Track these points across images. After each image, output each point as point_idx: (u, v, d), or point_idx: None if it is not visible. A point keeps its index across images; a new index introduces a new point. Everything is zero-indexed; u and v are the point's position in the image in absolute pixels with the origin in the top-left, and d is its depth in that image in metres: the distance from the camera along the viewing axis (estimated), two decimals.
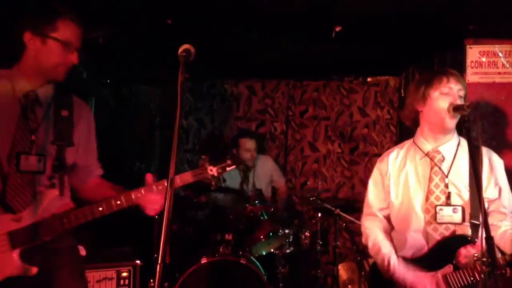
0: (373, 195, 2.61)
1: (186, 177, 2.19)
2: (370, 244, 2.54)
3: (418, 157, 2.47)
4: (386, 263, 2.40)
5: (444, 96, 2.34)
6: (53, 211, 2.08)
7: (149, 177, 2.19)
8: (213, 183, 2.26)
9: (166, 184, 2.01)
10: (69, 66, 2.14)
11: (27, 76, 2.11)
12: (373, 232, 2.54)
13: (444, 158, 2.41)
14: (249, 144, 4.67)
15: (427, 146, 2.45)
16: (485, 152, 2.41)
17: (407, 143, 2.58)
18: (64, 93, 2.22)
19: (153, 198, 2.15)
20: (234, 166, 2.23)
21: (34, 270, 2.02)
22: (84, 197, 2.33)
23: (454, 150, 2.41)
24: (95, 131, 2.38)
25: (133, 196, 2.13)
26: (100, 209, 2.11)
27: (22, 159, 2.03)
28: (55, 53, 2.08)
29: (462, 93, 2.36)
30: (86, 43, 3.99)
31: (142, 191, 2.15)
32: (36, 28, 2.06)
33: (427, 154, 2.44)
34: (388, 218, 2.57)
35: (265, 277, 3.68)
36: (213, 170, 2.19)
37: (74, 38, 2.12)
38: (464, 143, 2.41)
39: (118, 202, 2.12)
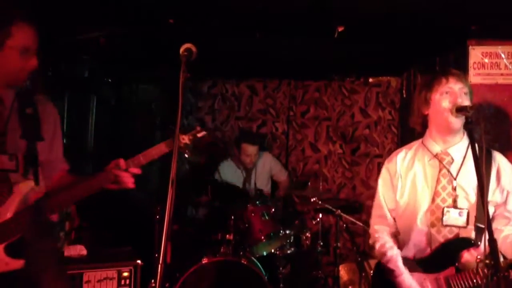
0: (383, 195, 2.58)
1: (160, 147, 2.19)
2: (377, 246, 2.52)
3: (427, 158, 2.45)
4: (391, 265, 2.39)
5: (446, 97, 2.34)
6: (29, 203, 2.09)
7: (120, 161, 2.20)
8: (186, 151, 2.25)
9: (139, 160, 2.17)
10: (29, 70, 2.11)
11: None
12: (381, 236, 2.52)
13: (453, 160, 2.39)
14: (250, 150, 4.69)
15: (436, 148, 2.44)
16: (494, 156, 2.40)
17: (416, 144, 2.57)
18: (26, 92, 2.20)
19: (126, 174, 2.17)
20: (204, 133, 2.25)
21: (20, 263, 2.03)
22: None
23: (463, 152, 2.39)
24: (61, 127, 2.38)
25: (110, 175, 2.15)
26: (81, 191, 2.14)
27: None
28: (12, 60, 2.04)
29: (464, 90, 2.35)
30: (88, 43, 4.01)
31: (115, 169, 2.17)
32: None
33: (436, 156, 2.42)
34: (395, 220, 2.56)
35: (266, 277, 3.67)
36: (185, 139, 2.21)
37: (31, 42, 2.07)
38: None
39: (95, 183, 2.15)
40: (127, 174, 2.16)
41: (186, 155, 2.26)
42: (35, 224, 2.09)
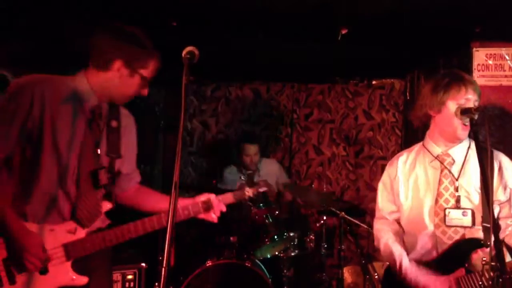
0: (382, 198, 2.60)
1: (227, 198, 2.41)
2: (381, 247, 2.52)
3: (428, 160, 2.45)
4: (398, 264, 2.39)
5: (461, 106, 2.29)
6: (99, 224, 2.16)
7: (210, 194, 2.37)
8: (249, 203, 2.56)
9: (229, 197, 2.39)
10: (139, 95, 2.20)
11: (96, 92, 2.12)
12: (384, 235, 2.53)
13: (454, 161, 2.39)
14: (250, 149, 4.66)
15: (437, 149, 2.43)
16: (495, 154, 2.39)
17: (416, 146, 2.56)
18: (113, 104, 2.24)
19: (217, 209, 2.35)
20: (266, 189, 2.57)
21: (85, 279, 2.09)
22: (123, 203, 2.38)
23: (464, 153, 2.39)
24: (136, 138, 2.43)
25: (200, 206, 2.31)
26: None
27: (100, 175, 2.10)
28: (136, 86, 2.14)
29: (477, 102, 2.32)
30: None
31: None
32: (130, 62, 2.08)
33: (437, 157, 2.42)
34: (398, 221, 2.56)
35: (270, 280, 3.67)
36: (249, 192, 2.46)
37: (153, 75, 2.18)
38: (473, 144, 2.39)
39: (186, 212, 2.27)
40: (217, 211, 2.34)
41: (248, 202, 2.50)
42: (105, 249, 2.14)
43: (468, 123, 2.29)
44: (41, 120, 1.97)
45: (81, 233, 2.07)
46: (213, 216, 2.34)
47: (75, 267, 2.06)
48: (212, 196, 2.33)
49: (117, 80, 2.09)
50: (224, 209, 2.34)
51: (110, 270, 2.40)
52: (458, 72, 2.44)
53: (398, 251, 2.43)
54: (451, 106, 2.31)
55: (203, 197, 2.33)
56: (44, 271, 2.01)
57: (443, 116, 2.36)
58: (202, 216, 2.32)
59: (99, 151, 2.12)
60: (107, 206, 2.17)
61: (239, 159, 4.77)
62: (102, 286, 2.25)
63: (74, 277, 2.05)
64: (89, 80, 2.11)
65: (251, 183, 4.71)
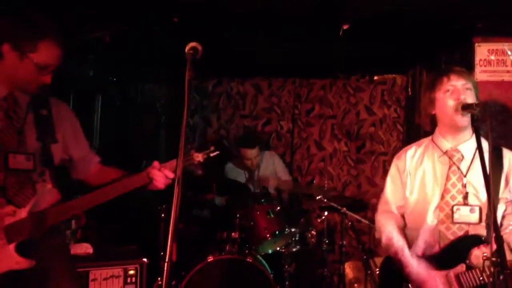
0: (391, 192, 2.59)
1: (174, 164, 2.25)
2: (383, 238, 2.53)
3: (437, 155, 2.45)
4: (399, 256, 2.39)
5: (449, 95, 2.34)
6: (46, 204, 2.13)
7: (155, 162, 2.30)
8: (199, 170, 2.40)
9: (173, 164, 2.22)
10: (40, 85, 2.15)
11: (3, 82, 2.12)
12: (387, 227, 2.53)
13: (463, 157, 2.39)
14: (249, 153, 4.65)
15: (446, 145, 2.43)
16: (505, 153, 2.40)
17: (425, 141, 2.56)
18: (40, 94, 2.23)
19: (160, 174, 2.26)
20: (217, 152, 2.37)
21: (31, 262, 2.06)
22: (93, 185, 2.39)
23: (473, 149, 2.38)
24: (80, 124, 2.44)
25: (144, 176, 2.25)
26: (118, 189, 2.21)
27: (10, 157, 2.08)
28: (29, 72, 2.09)
29: (467, 86, 2.35)
30: (93, 42, 4.02)
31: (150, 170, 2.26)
32: (16, 43, 2.04)
33: (445, 153, 2.42)
34: (403, 215, 2.56)
35: (272, 275, 3.67)
36: (199, 156, 2.31)
37: (53, 60, 2.11)
38: (484, 143, 2.38)
39: (131, 182, 2.24)
40: (161, 175, 2.24)
41: (199, 171, 2.38)
42: (46, 226, 2.13)
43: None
44: None
45: (21, 214, 2.06)
46: (159, 184, 2.26)
47: (20, 251, 2.04)
48: (156, 163, 2.28)
49: (10, 66, 2.06)
50: (171, 175, 2.25)
51: (71, 266, 2.37)
52: (443, 67, 2.47)
53: (400, 244, 2.43)
54: (440, 96, 2.38)
55: (148, 168, 2.29)
56: None
57: (439, 109, 2.41)
58: (150, 187, 2.28)
59: (21, 138, 2.12)
60: (44, 187, 2.15)
61: (239, 160, 4.75)
62: (64, 284, 2.23)
63: (18, 260, 2.03)
64: None
65: (250, 179, 4.75)
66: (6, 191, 2.07)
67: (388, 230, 2.51)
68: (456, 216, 2.32)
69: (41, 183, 2.16)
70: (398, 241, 2.44)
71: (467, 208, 2.32)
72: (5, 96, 2.13)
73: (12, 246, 2.03)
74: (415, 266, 2.33)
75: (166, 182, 2.26)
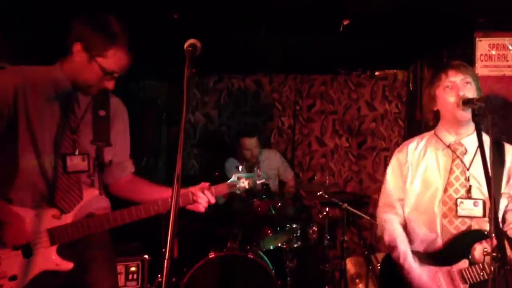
0: (392, 184, 2.57)
1: (221, 188, 2.36)
2: (386, 238, 2.50)
3: (440, 148, 2.45)
4: (401, 261, 2.37)
5: (449, 91, 2.34)
6: (92, 210, 2.15)
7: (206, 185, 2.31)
8: (244, 193, 2.49)
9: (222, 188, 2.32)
10: (102, 88, 2.16)
11: (68, 78, 2.13)
12: (391, 226, 2.50)
13: (466, 151, 2.39)
14: (249, 143, 4.65)
15: (450, 138, 2.43)
16: (507, 148, 2.40)
17: (427, 134, 2.56)
18: (102, 93, 2.23)
19: (205, 198, 2.27)
20: (263, 180, 2.46)
21: (70, 265, 2.09)
22: (117, 194, 2.38)
23: (476, 143, 2.36)
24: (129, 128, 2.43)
25: (190, 197, 2.25)
26: (152, 208, 2.20)
27: (68, 160, 2.09)
28: (94, 75, 2.10)
29: (467, 80, 2.34)
30: None
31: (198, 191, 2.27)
32: (88, 45, 2.06)
33: (449, 146, 2.42)
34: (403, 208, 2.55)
35: (273, 271, 3.68)
36: (244, 183, 2.40)
37: (119, 68, 2.13)
38: (486, 137, 2.38)
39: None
40: (205, 199, 2.26)
41: (240, 194, 2.47)
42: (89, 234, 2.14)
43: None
44: (16, 107, 2.01)
45: (67, 218, 2.08)
46: (200, 207, 2.27)
47: (61, 252, 2.07)
48: (206, 185, 2.29)
49: (78, 64, 2.09)
50: (213, 201, 2.27)
51: (111, 260, 2.37)
52: (442, 63, 2.47)
53: (404, 246, 2.41)
54: (440, 93, 2.39)
55: (196, 188, 2.29)
56: (28, 254, 2.03)
57: (441, 106, 2.42)
58: (190, 207, 2.29)
59: (76, 137, 2.12)
60: (92, 193, 2.17)
61: (239, 153, 4.76)
62: (103, 275, 2.25)
63: (58, 262, 2.07)
64: (63, 67, 2.14)
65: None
66: (55, 194, 2.08)
67: (392, 229, 2.49)
68: (459, 209, 2.31)
69: (89, 189, 2.17)
70: (402, 244, 2.42)
71: (471, 202, 2.31)
72: (66, 92, 2.13)
73: (54, 248, 2.07)
74: (418, 272, 2.31)
75: (206, 206, 2.28)
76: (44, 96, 2.08)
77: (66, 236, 2.08)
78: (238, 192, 2.43)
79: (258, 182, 2.43)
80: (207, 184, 2.30)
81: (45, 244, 2.06)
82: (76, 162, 2.11)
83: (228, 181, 2.41)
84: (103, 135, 2.20)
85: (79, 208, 2.12)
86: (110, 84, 2.15)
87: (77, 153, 2.11)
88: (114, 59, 2.09)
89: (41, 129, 2.05)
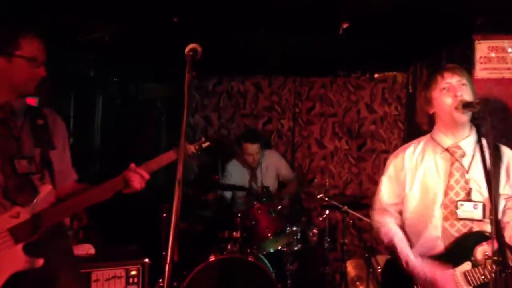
0: (387, 190, 2.58)
1: (169, 155, 2.35)
2: (383, 238, 2.50)
3: (438, 151, 2.44)
4: (403, 258, 2.36)
5: (446, 93, 2.34)
6: (46, 205, 2.17)
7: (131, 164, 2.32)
8: (193, 159, 2.44)
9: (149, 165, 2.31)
10: (38, 80, 2.21)
11: (3, 91, 2.16)
12: (386, 226, 2.51)
13: (465, 153, 2.38)
14: (251, 148, 4.67)
15: (447, 141, 2.42)
16: (503, 149, 2.39)
17: (424, 138, 2.55)
18: (35, 106, 2.34)
19: (136, 175, 2.28)
20: (208, 143, 2.46)
21: (40, 261, 2.10)
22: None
23: (473, 146, 2.38)
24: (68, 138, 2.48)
25: (121, 181, 2.27)
26: (98, 194, 2.26)
27: (15, 162, 2.13)
28: (22, 69, 2.15)
29: (462, 82, 2.34)
30: (93, 42, 4.02)
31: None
32: (0, 48, 2.11)
33: (447, 149, 2.41)
34: (400, 214, 2.54)
35: (273, 274, 3.68)
36: (191, 148, 2.42)
37: (39, 52, 2.18)
38: (482, 140, 2.38)
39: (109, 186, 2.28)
40: (137, 176, 2.26)
41: (194, 162, 2.43)
42: (50, 226, 2.17)
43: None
44: None
45: (25, 215, 2.10)
46: (135, 185, 2.26)
47: (27, 250, 2.08)
48: (132, 165, 2.30)
49: (3, 70, 2.13)
50: (146, 176, 2.27)
51: (71, 254, 2.44)
52: (439, 66, 2.48)
53: (403, 242, 2.41)
54: (436, 95, 2.38)
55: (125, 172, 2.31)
56: None
57: (437, 108, 2.41)
58: (127, 191, 2.29)
59: (20, 143, 2.16)
60: (46, 188, 2.19)
61: (241, 155, 4.78)
62: (66, 272, 2.27)
63: (27, 260, 2.07)
64: None
65: (253, 176, 4.76)
66: (10, 193, 2.11)
67: (387, 228, 2.49)
68: (459, 212, 2.31)
69: (43, 185, 2.20)
70: (400, 242, 2.41)
71: (471, 204, 2.31)
72: (2, 105, 2.17)
73: (19, 247, 2.08)
74: (422, 267, 2.30)
75: (142, 183, 2.28)
76: None
77: (29, 232, 2.09)
78: (187, 158, 2.43)
79: (203, 146, 2.44)
80: (133, 164, 2.31)
81: (9, 244, 2.06)
82: (23, 164, 2.15)
83: (175, 147, 2.37)
84: (45, 139, 2.26)
85: (36, 204, 2.13)
86: (41, 71, 2.19)
87: (22, 157, 2.15)
88: (30, 47, 2.14)
89: None
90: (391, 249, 2.45)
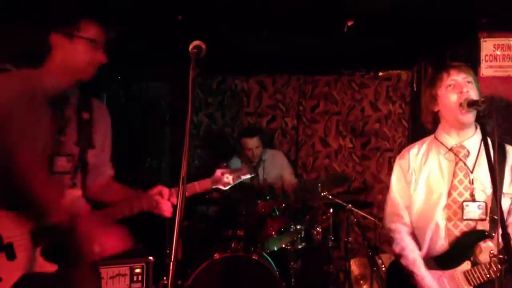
0: (398, 192, 2.53)
1: (205, 184, 2.33)
2: (395, 248, 2.47)
3: (442, 152, 2.43)
4: (412, 268, 2.34)
5: (451, 90, 2.33)
6: (74, 211, 2.11)
7: (164, 190, 2.29)
8: (227, 190, 2.40)
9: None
10: (97, 65, 2.18)
11: (56, 76, 2.14)
12: (399, 236, 2.47)
13: (469, 153, 2.37)
14: (250, 143, 4.65)
15: (451, 141, 2.41)
16: (508, 149, 2.38)
17: (428, 139, 2.54)
18: (85, 95, 2.26)
19: (168, 203, 2.26)
20: (249, 175, 2.39)
21: (54, 267, 2.07)
22: (93, 197, 2.34)
23: (478, 145, 2.37)
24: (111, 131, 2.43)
25: (153, 202, 2.24)
26: (125, 210, 2.22)
27: (55, 160, 2.09)
28: (83, 51, 2.13)
29: (468, 79, 2.33)
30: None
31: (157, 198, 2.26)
32: (61, 29, 2.10)
33: (451, 149, 2.40)
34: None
35: (277, 272, 3.68)
36: (229, 178, 2.34)
37: (98, 36, 2.16)
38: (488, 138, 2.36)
39: (138, 205, 2.23)
40: (168, 204, 2.24)
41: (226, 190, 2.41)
42: (76, 235, 2.10)
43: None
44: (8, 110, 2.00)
45: (49, 219, 2.05)
46: (165, 213, 2.25)
47: (45, 254, 2.05)
48: (165, 190, 2.27)
49: (62, 53, 2.12)
50: (175, 202, 2.21)
51: (94, 263, 2.35)
52: (444, 64, 2.46)
53: (413, 257, 2.37)
54: (442, 92, 2.36)
55: (154, 192, 2.27)
56: (11, 256, 2.00)
57: (442, 106, 2.39)
58: (155, 211, 2.27)
59: (63, 138, 2.12)
60: (74, 193, 2.14)
61: (242, 153, 4.76)
62: (84, 271, 2.22)
63: (41, 264, 2.05)
64: (48, 67, 2.15)
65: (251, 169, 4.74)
66: (38, 194, 2.02)
67: (400, 238, 2.45)
68: (465, 212, 2.29)
69: (71, 190, 2.15)
70: (411, 253, 2.38)
71: (475, 204, 2.30)
72: (58, 97, 2.14)
73: (37, 250, 2.05)
74: (429, 279, 2.29)
75: (171, 210, 2.25)
76: (33, 98, 2.08)
77: (49, 237, 2.05)
78: (223, 188, 2.38)
79: (242, 177, 2.37)
80: (166, 189, 2.27)
81: (27, 247, 2.03)
82: (62, 162, 2.11)
83: (212, 177, 2.36)
84: (86, 137, 2.21)
85: (63, 210, 2.07)
86: (101, 56, 2.17)
87: (63, 154, 2.11)
88: (89, 28, 2.13)
89: (30, 129, 2.05)
90: (401, 257, 2.42)
